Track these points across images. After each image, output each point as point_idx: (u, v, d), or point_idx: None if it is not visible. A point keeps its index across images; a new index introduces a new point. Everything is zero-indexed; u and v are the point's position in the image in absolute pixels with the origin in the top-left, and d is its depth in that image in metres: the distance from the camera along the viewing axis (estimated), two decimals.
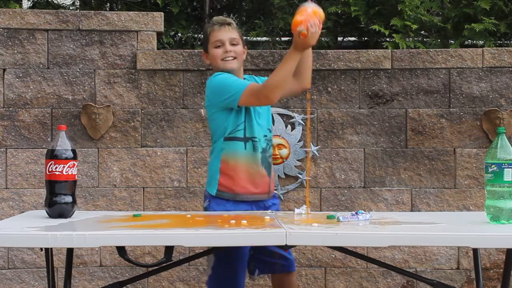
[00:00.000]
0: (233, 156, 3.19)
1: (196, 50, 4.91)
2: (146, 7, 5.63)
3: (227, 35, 3.24)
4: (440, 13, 5.56)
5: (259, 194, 3.23)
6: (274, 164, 4.69)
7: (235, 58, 3.25)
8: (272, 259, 3.27)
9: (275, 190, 4.69)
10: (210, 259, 3.20)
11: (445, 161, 4.73)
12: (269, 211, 3.18)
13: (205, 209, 3.25)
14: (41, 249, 2.75)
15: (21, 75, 4.69)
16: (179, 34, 5.75)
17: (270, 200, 3.31)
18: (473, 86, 4.73)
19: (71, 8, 5.89)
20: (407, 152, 4.75)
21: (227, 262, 3.17)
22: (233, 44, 3.25)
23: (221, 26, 3.25)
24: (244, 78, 3.33)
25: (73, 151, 2.86)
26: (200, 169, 4.72)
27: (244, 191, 3.19)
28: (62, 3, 5.90)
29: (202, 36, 3.32)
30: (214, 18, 3.34)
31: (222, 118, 3.19)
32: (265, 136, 3.28)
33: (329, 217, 2.85)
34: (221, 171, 3.20)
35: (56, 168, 2.81)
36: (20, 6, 5.57)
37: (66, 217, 2.83)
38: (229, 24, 3.27)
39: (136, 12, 4.84)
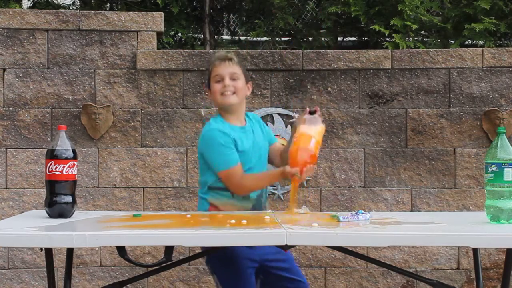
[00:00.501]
0: (220, 202, 3.18)
1: (196, 50, 4.91)
2: (146, 7, 5.62)
3: (227, 70, 3.18)
4: (440, 13, 5.56)
5: None
6: None
7: (234, 93, 3.19)
8: (281, 282, 3.24)
9: (275, 190, 4.70)
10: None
11: (445, 161, 4.73)
12: (269, 211, 3.18)
13: None
14: (41, 249, 2.74)
15: (21, 75, 4.69)
16: (179, 34, 5.75)
17: None
18: (473, 86, 4.73)
19: (71, 8, 5.88)
20: (407, 152, 4.75)
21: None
22: (233, 79, 3.19)
23: (221, 62, 3.20)
24: (246, 116, 3.29)
25: (73, 151, 2.86)
26: None
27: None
28: (62, 3, 5.89)
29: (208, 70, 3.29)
30: (217, 54, 3.30)
31: (206, 166, 3.18)
32: None
33: (333, 217, 2.85)
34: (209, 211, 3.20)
35: (56, 168, 2.81)
36: (20, 6, 5.57)
37: (66, 217, 2.83)
38: (230, 59, 3.21)
39: (136, 12, 4.84)
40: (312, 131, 3.06)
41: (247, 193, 3.14)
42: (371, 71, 4.76)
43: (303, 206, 3.11)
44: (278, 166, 3.27)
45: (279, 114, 4.74)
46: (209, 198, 3.18)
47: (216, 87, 3.18)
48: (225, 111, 3.20)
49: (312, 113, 3.16)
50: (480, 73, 4.73)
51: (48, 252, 2.78)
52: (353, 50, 4.81)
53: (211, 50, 5.09)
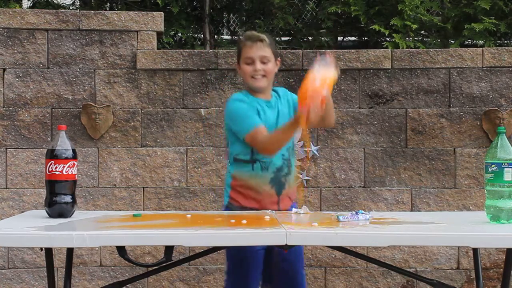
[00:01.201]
0: (241, 175, 3.24)
1: (196, 50, 4.92)
2: (146, 7, 5.63)
3: (258, 53, 3.21)
4: (440, 13, 5.56)
5: (267, 210, 3.23)
6: None
7: (264, 76, 3.24)
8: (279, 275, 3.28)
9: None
10: (226, 264, 3.25)
11: (445, 161, 4.73)
12: (269, 210, 3.18)
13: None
14: (41, 249, 2.74)
15: (21, 75, 4.69)
16: (179, 34, 5.75)
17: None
18: (473, 86, 4.73)
19: (71, 8, 5.89)
20: (407, 152, 4.75)
21: (240, 269, 3.19)
22: (263, 62, 3.23)
23: (253, 43, 3.22)
24: (273, 91, 3.33)
25: (73, 151, 2.86)
26: (200, 169, 4.72)
27: (252, 206, 3.22)
28: (62, 3, 5.90)
29: (236, 47, 3.29)
30: (248, 33, 3.31)
31: (234, 137, 3.25)
32: (282, 155, 3.26)
33: (333, 217, 2.85)
34: (232, 186, 3.27)
35: (56, 168, 2.81)
36: (20, 6, 5.57)
37: (66, 217, 2.83)
38: (261, 40, 3.23)
39: (136, 12, 4.84)
40: (320, 74, 2.96)
41: (274, 151, 3.15)
42: (371, 71, 4.76)
43: (303, 206, 3.11)
44: (322, 123, 3.23)
45: None
46: (233, 170, 3.25)
47: (247, 69, 3.22)
48: (253, 91, 3.26)
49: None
50: (480, 73, 4.73)
51: (48, 252, 2.78)
52: (353, 50, 4.81)
53: (211, 50, 5.09)
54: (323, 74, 2.96)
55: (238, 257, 3.16)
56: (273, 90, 3.34)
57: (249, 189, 3.22)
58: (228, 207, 3.26)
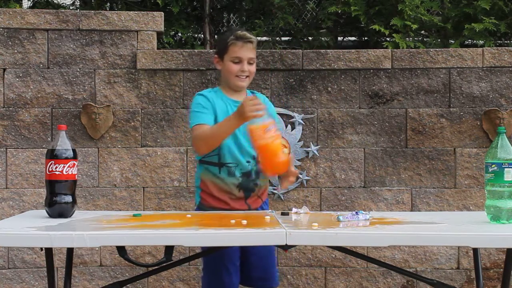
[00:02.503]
0: (209, 178, 3.23)
1: (196, 50, 4.91)
2: (146, 7, 5.63)
3: (247, 54, 3.22)
4: (440, 13, 5.56)
5: (238, 210, 3.22)
6: None
7: (247, 77, 3.25)
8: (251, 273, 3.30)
9: (275, 190, 4.69)
10: (202, 260, 3.24)
11: (445, 161, 4.73)
12: (269, 210, 3.18)
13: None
14: (41, 249, 2.74)
15: (21, 75, 4.69)
16: (179, 34, 5.74)
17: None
18: (473, 86, 4.73)
19: (71, 8, 5.88)
20: (407, 152, 4.75)
21: (213, 262, 3.21)
22: (249, 64, 3.24)
23: (244, 43, 3.22)
24: (252, 93, 3.34)
25: (73, 150, 2.86)
26: None
27: (221, 206, 3.22)
28: (62, 3, 5.89)
29: (218, 40, 3.29)
30: (239, 32, 3.28)
31: None
32: (248, 162, 3.22)
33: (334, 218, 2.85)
34: (201, 188, 3.28)
35: (56, 167, 2.81)
36: (20, 6, 5.57)
37: (66, 217, 2.83)
38: (251, 42, 3.25)
39: (136, 12, 4.84)
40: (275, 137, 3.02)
41: (205, 149, 3.13)
42: (371, 71, 4.76)
43: (303, 206, 3.11)
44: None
45: (279, 114, 4.74)
46: (201, 172, 3.25)
47: (233, 67, 3.21)
48: (230, 88, 3.25)
49: None
50: (480, 73, 4.73)
51: (48, 252, 2.78)
52: (353, 50, 4.81)
53: (211, 50, 5.09)
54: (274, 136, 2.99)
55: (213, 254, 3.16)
56: (252, 93, 3.34)
57: (218, 192, 3.21)
58: (199, 208, 3.27)
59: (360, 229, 2.66)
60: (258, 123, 2.99)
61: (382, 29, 5.16)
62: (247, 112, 2.97)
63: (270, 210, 3.22)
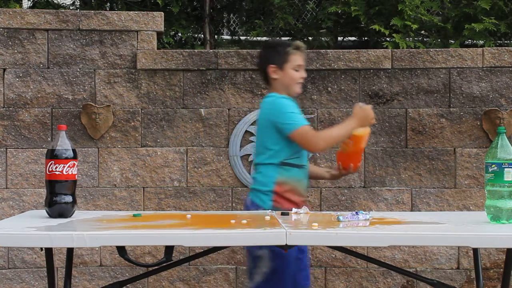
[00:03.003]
0: (288, 181, 3.30)
1: (196, 50, 4.91)
2: (146, 7, 5.63)
3: (304, 63, 3.43)
4: (440, 13, 5.56)
5: None
6: None
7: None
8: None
9: None
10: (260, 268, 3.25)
11: (445, 161, 4.73)
12: (269, 210, 3.19)
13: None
14: (41, 249, 2.75)
15: (21, 75, 4.69)
16: (179, 34, 5.75)
17: None
18: (473, 86, 4.73)
19: (71, 8, 5.89)
20: (407, 152, 4.75)
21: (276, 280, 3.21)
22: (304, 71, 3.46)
23: (302, 52, 3.41)
24: None
25: (73, 150, 2.86)
26: (200, 169, 4.72)
27: (291, 207, 3.30)
28: (62, 3, 5.90)
29: (274, 51, 3.42)
30: (297, 42, 3.47)
31: (279, 139, 3.29)
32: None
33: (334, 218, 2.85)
34: (276, 191, 3.29)
35: (56, 168, 2.81)
36: (20, 6, 5.57)
37: (66, 217, 2.83)
38: (305, 50, 3.48)
39: (136, 12, 4.84)
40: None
41: (325, 147, 3.32)
42: (371, 71, 4.76)
43: (303, 206, 3.11)
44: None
45: None
46: (278, 175, 3.28)
47: (295, 75, 3.38)
48: (289, 95, 3.38)
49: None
50: (480, 73, 4.73)
51: (48, 252, 2.78)
52: (353, 50, 4.81)
53: (211, 50, 5.09)
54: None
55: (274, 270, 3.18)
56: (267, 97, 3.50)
57: (294, 194, 3.30)
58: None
59: (360, 229, 2.66)
60: (367, 129, 3.36)
61: (382, 29, 5.16)
62: (369, 119, 3.34)
63: (270, 210, 3.22)
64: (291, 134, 3.23)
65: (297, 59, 3.37)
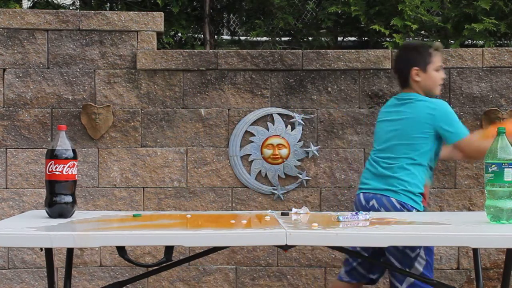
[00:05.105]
0: (426, 183, 3.48)
1: (196, 50, 4.91)
2: (146, 7, 5.62)
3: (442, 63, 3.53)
4: (440, 13, 5.56)
5: None
6: (274, 164, 4.71)
7: None
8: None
9: (275, 190, 4.70)
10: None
11: (445, 161, 4.73)
12: (269, 211, 3.18)
13: None
14: (41, 249, 2.75)
15: (21, 75, 4.69)
16: (179, 34, 5.74)
17: None
18: (473, 86, 4.73)
19: (71, 8, 5.88)
20: None
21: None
22: None
23: (440, 54, 3.50)
24: None
25: (73, 151, 2.86)
26: (200, 169, 4.72)
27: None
28: (62, 3, 5.89)
29: (416, 52, 3.49)
30: (436, 43, 3.54)
31: (432, 142, 3.40)
32: None
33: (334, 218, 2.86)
34: (421, 194, 3.44)
35: (56, 168, 2.81)
36: (20, 6, 5.56)
37: (66, 217, 2.83)
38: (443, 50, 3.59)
39: (136, 12, 4.84)
40: None
41: (480, 158, 3.30)
42: (371, 71, 4.76)
43: (303, 206, 3.11)
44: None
45: (279, 114, 4.74)
46: (425, 179, 3.43)
47: (438, 76, 3.48)
48: (430, 96, 3.45)
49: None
50: (480, 73, 4.73)
51: (48, 252, 2.79)
52: (353, 50, 4.81)
53: (211, 50, 5.09)
54: None
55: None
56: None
57: (427, 195, 3.50)
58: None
59: (360, 229, 2.66)
60: None
61: (382, 29, 5.16)
62: None
63: (270, 210, 3.22)
64: (457, 143, 3.34)
65: (437, 60, 3.42)
